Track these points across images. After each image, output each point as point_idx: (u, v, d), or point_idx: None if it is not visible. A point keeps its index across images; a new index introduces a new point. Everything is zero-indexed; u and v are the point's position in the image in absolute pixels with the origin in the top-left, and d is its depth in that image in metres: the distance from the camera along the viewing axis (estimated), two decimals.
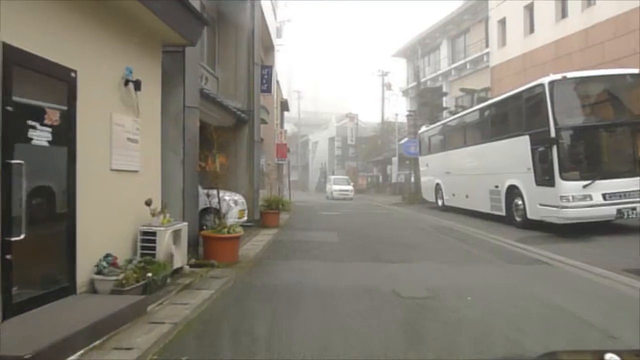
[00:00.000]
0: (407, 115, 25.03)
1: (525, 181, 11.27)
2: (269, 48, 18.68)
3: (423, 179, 20.92)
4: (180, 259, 5.93)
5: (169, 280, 5.42)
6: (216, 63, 12.25)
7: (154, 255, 5.38)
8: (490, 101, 13.53)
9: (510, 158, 12.00)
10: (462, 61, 31.33)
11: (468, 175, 15.05)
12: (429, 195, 20.05)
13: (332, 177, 36.41)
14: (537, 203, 10.74)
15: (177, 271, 5.91)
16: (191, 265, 6.37)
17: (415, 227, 12.52)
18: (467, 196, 15.30)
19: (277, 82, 20.88)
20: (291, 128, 63.34)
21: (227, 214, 10.34)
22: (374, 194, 37.63)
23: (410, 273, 6.48)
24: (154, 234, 5.44)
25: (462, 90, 24.48)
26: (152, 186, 5.95)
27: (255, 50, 12.45)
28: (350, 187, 31.89)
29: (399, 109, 36.95)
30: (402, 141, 23.51)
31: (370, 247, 8.84)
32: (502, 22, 25.94)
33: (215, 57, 12.19)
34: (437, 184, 18.45)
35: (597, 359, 1.12)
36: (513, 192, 11.99)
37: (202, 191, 10.33)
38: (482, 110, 14.10)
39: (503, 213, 12.64)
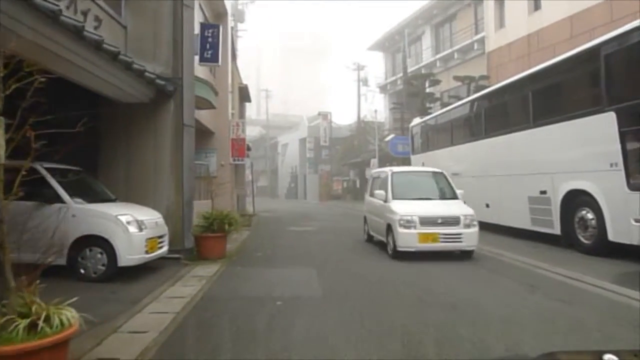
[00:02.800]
0: (392, 108, 21.08)
1: (604, 183, 7.32)
2: (221, 14, 14.31)
3: None
4: None
5: None
6: (122, 5, 7.81)
7: None
8: (535, 69, 9.53)
9: (572, 149, 8.05)
10: (449, 50, 27.74)
11: (490, 177, 11.08)
12: None
13: (390, 172, 9.14)
14: (630, 218, 6.77)
15: None
16: None
17: None
18: (487, 205, 11.31)
19: (235, 61, 16.49)
20: (259, 130, 58.91)
21: (118, 246, 5.92)
22: (351, 200, 33.55)
23: None
24: None
25: (456, 78, 20.72)
26: None
27: None
28: (464, 211, 8.10)
29: (377, 107, 33.16)
30: (388, 138, 19.54)
31: (388, 318, 4.56)
32: (500, 0, 22.44)
33: None
34: None
35: (596, 359, 1.07)
36: (577, 200, 8.03)
37: (74, 207, 6.03)
38: (519, 84, 10.06)
39: (555, 231, 8.68)
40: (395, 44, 36.23)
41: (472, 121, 12.30)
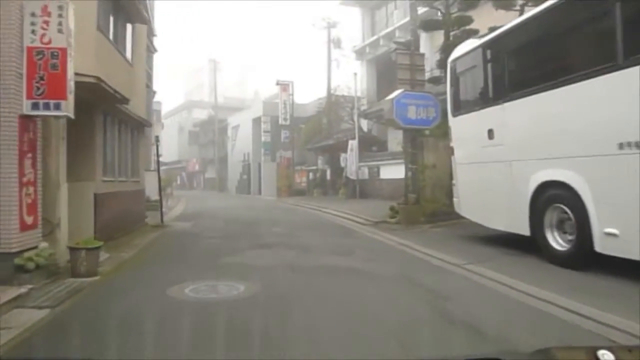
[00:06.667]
0: (396, 50, 12.78)
1: None
2: None
3: (465, 170, 8.55)
4: None
5: None
6: None
7: None
8: None
9: None
10: None
11: None
12: (485, 212, 7.81)
13: None
14: None
15: None
16: None
17: None
18: None
19: None
20: (208, 112, 49.64)
21: None
22: (320, 197, 25.05)
23: None
24: None
25: None
26: None
27: None
28: None
29: (352, 78, 24.44)
30: (394, 94, 11.20)
31: None
32: None
33: None
34: (545, 186, 6.16)
35: (590, 355, 1.06)
36: None
37: None
38: None
39: None
40: None
41: None
